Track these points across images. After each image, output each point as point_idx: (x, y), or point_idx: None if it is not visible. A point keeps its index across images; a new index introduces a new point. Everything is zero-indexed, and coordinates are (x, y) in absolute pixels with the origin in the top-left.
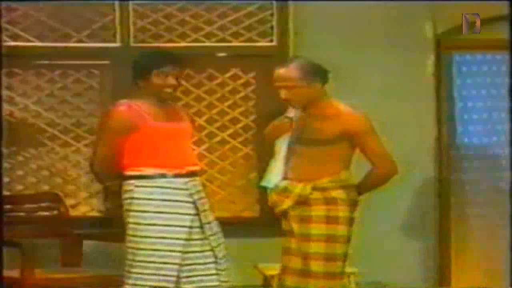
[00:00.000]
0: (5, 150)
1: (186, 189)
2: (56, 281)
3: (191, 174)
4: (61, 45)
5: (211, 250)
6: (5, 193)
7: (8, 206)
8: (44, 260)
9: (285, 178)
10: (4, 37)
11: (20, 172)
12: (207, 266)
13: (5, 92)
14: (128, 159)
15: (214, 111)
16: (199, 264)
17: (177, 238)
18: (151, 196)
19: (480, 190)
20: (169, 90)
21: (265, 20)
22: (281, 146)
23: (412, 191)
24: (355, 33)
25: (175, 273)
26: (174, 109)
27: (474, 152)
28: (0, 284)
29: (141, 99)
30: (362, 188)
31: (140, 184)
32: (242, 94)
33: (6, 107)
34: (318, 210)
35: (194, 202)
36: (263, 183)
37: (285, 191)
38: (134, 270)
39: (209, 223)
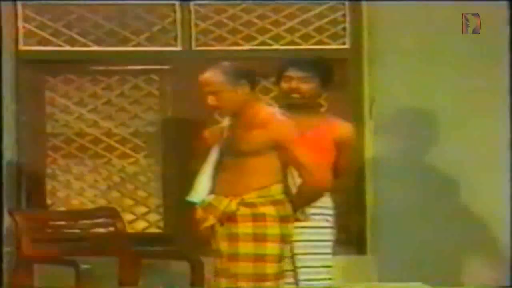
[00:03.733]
0: (61, 162)
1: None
2: None
3: None
4: (119, 50)
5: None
6: (62, 208)
7: (62, 223)
8: (100, 279)
9: (212, 192)
10: (60, 42)
11: (76, 186)
12: None
13: (60, 100)
14: None
15: None
16: None
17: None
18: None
19: None
20: (295, 95)
21: (337, 21)
22: (210, 157)
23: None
24: (434, 34)
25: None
26: (311, 119)
27: None
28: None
29: (280, 106)
30: (294, 203)
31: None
32: None
33: (61, 116)
34: (245, 227)
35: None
36: (190, 198)
37: (210, 207)
38: None
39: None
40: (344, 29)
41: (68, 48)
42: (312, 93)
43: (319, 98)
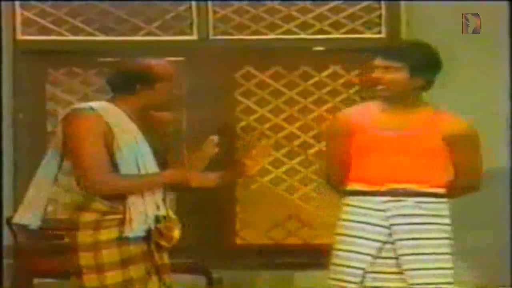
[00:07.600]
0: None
1: (382, 211)
2: None
3: (394, 193)
4: (128, 39)
5: None
6: (64, 216)
7: (65, 232)
8: None
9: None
10: (63, 31)
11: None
12: None
13: (63, 95)
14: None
15: (310, 116)
16: None
17: (358, 268)
18: (344, 216)
19: None
20: (380, 86)
21: (371, 8)
22: None
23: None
24: (482, 21)
25: None
26: (411, 114)
27: None
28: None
29: (374, 100)
30: None
31: (344, 202)
32: (343, 96)
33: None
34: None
35: (388, 227)
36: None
37: (171, 221)
38: None
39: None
40: (379, 16)
41: (71, 37)
42: (399, 84)
43: (414, 90)
